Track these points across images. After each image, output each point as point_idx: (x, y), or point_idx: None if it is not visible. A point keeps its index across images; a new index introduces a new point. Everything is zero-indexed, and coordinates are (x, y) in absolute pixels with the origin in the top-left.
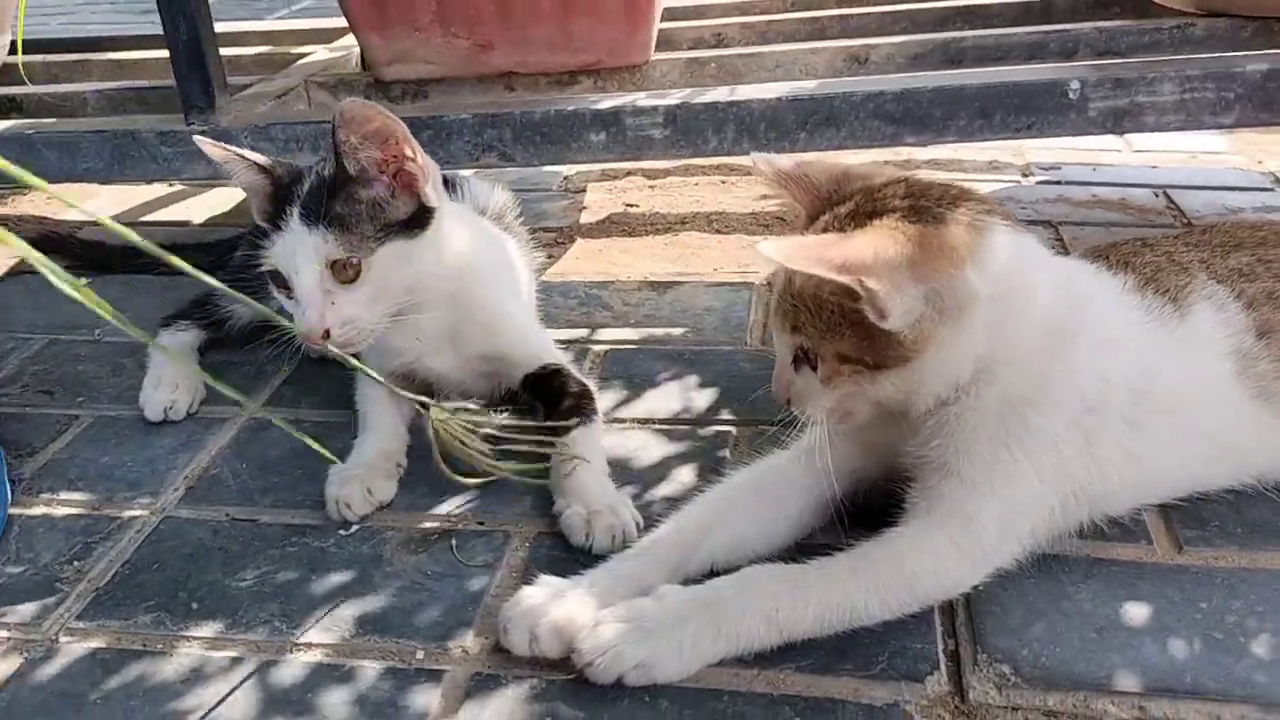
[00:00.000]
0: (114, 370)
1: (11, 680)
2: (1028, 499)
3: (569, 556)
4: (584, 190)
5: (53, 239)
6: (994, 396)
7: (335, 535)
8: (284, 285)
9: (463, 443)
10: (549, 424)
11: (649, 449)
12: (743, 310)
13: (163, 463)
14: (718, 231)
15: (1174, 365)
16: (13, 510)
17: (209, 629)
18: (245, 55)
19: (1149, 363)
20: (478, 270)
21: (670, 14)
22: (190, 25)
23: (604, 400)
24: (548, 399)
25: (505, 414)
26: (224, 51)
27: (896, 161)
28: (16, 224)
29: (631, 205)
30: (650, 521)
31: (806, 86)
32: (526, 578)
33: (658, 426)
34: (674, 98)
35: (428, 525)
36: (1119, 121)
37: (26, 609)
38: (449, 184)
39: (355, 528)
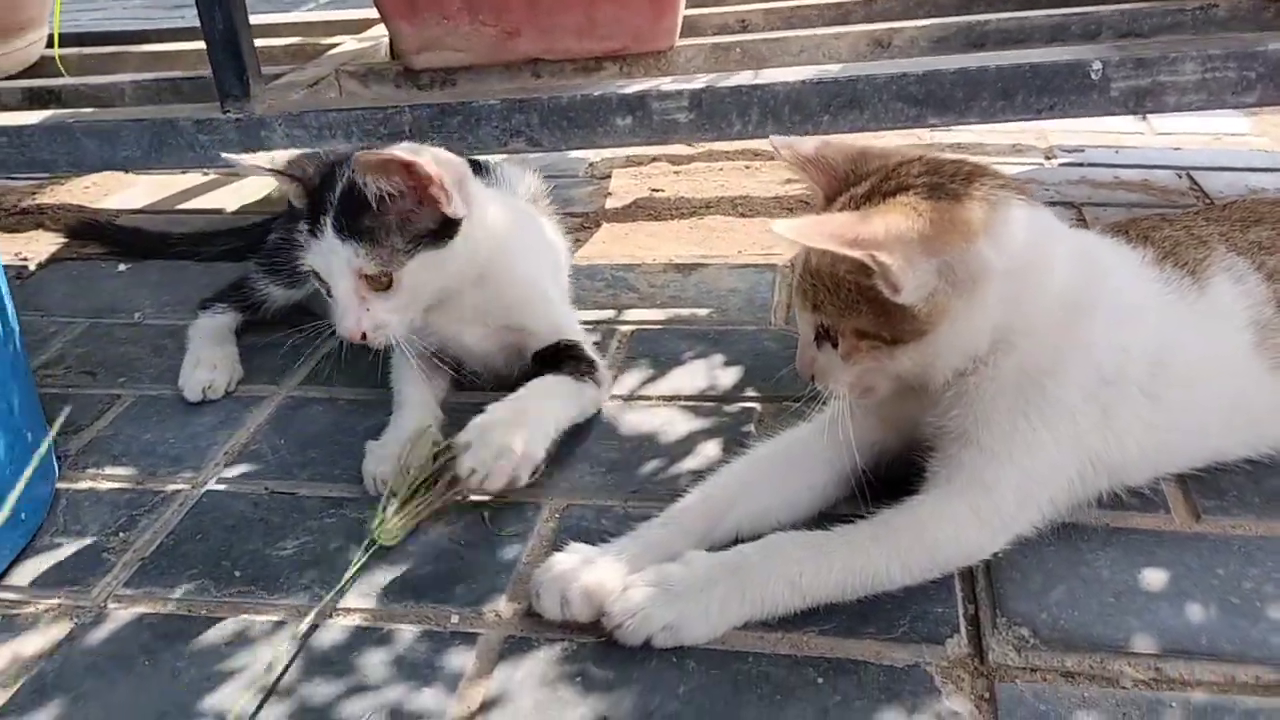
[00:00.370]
0: (154, 351)
1: (63, 644)
2: (1046, 468)
3: (598, 527)
4: (609, 176)
5: (92, 226)
6: (1012, 367)
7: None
8: (321, 281)
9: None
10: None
11: (675, 425)
12: (767, 291)
13: (203, 439)
14: (742, 215)
15: (1193, 337)
16: (59, 485)
17: (252, 595)
18: (277, 46)
19: (1168, 335)
20: (510, 251)
21: (695, 0)
22: (226, 15)
23: (631, 378)
24: (554, 368)
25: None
26: (256, 43)
27: (920, 145)
28: (56, 212)
29: (657, 190)
30: (677, 493)
31: (830, 69)
32: (557, 546)
33: (683, 403)
34: (699, 82)
35: (461, 500)
36: (1141, 101)
37: (75, 577)
38: (481, 168)
39: None
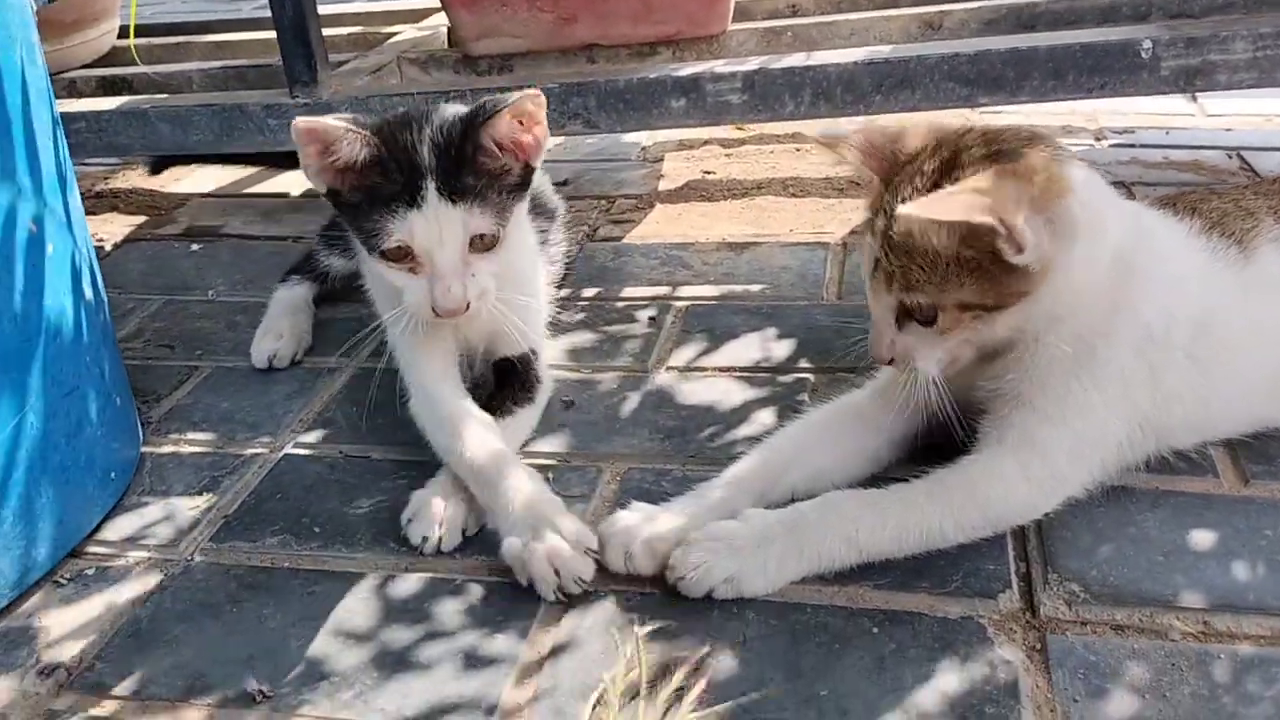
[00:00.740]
0: (228, 326)
1: (154, 593)
2: (1097, 430)
3: (658, 489)
4: (662, 159)
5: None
6: (1068, 330)
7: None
8: (402, 259)
9: None
10: None
11: (731, 395)
12: (819, 268)
13: (279, 407)
14: (793, 195)
15: (1237, 305)
16: (144, 449)
17: (331, 549)
18: (340, 35)
19: (1212, 302)
20: (522, 243)
21: None
22: (295, 4)
23: (687, 351)
24: (504, 381)
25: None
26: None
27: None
28: (129, 196)
29: (709, 172)
30: (734, 458)
31: (881, 50)
32: (619, 506)
33: (739, 374)
34: (752, 64)
35: (527, 462)
36: (1191, 80)
37: (163, 532)
38: None
39: None
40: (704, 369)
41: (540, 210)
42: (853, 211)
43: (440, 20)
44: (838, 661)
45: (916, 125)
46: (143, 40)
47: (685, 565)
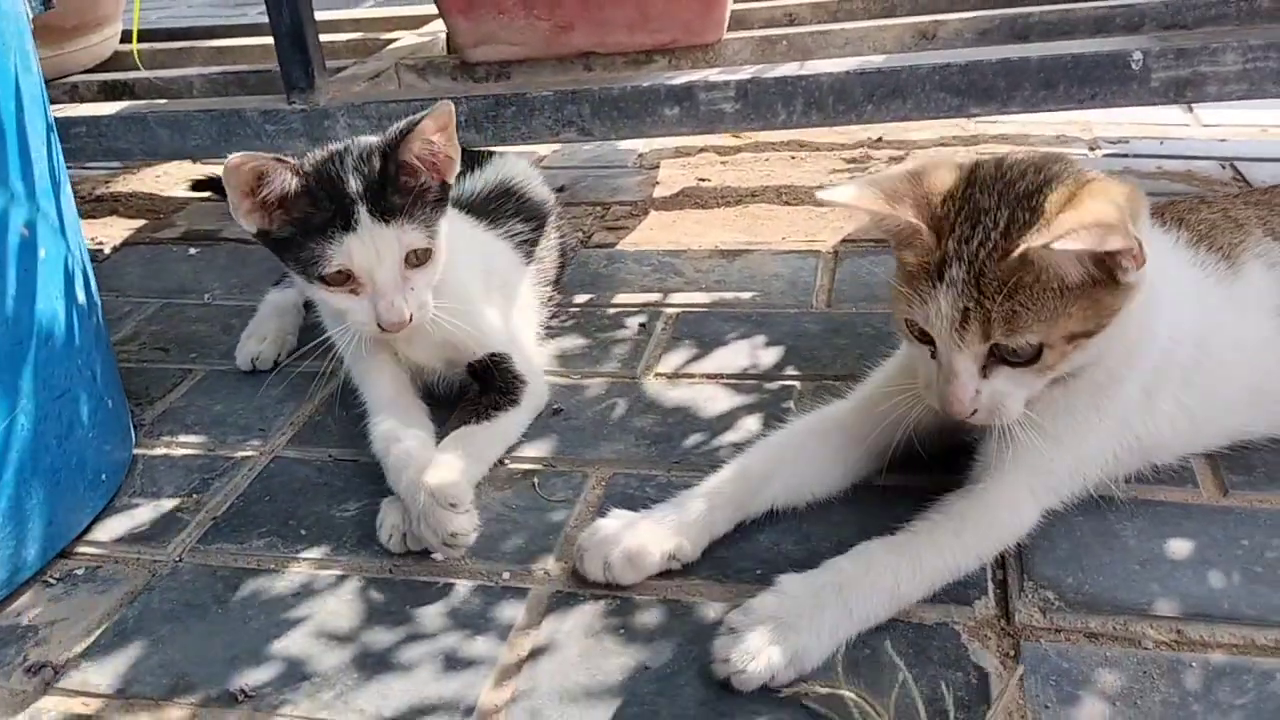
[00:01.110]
0: (223, 330)
1: (142, 593)
2: (1095, 450)
3: (642, 495)
4: (658, 166)
5: (214, 180)
6: (1111, 357)
7: None
8: (343, 283)
9: None
10: None
11: (717, 401)
12: (809, 276)
13: (270, 410)
14: (786, 204)
15: (1226, 321)
16: (136, 451)
17: (317, 551)
18: (339, 41)
19: (1207, 320)
20: (455, 254)
21: None
22: (293, 11)
23: (675, 357)
24: (484, 388)
25: None
26: (320, 38)
27: (964, 136)
28: (129, 200)
29: (704, 180)
30: (718, 464)
31: (874, 60)
32: (603, 512)
33: (726, 381)
34: (745, 73)
35: (513, 467)
36: (1181, 91)
37: (152, 534)
38: (475, 158)
39: None
40: (692, 375)
41: (529, 210)
42: (845, 220)
43: (439, 27)
44: None
45: (925, 165)
46: (145, 45)
47: (740, 656)
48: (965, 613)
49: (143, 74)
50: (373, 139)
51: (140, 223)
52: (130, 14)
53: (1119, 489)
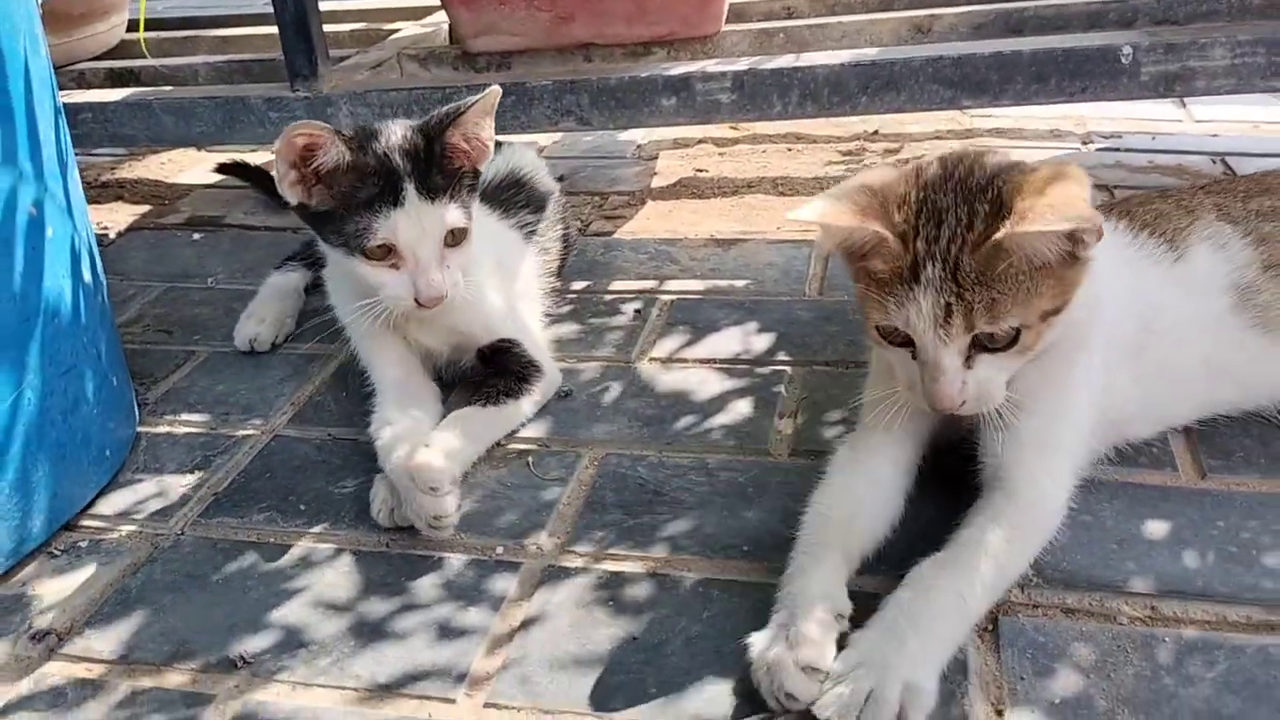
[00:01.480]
0: (226, 313)
1: (145, 564)
2: (1083, 418)
3: (634, 474)
4: (656, 157)
5: (239, 165)
6: (1074, 331)
7: None
8: (385, 257)
9: None
10: None
11: (709, 384)
12: (803, 265)
13: (272, 390)
14: (782, 194)
15: (1172, 299)
16: (140, 429)
17: (315, 526)
18: (342, 31)
19: (1148, 299)
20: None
21: None
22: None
23: (669, 342)
24: (497, 372)
25: None
26: (324, 27)
27: (959, 130)
28: (134, 186)
29: (701, 170)
30: (710, 446)
31: (868, 53)
32: (595, 491)
33: (718, 365)
34: (741, 64)
35: (509, 447)
36: (1170, 86)
37: (155, 508)
38: None
39: None
40: (685, 360)
41: (532, 199)
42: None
43: (441, 18)
44: None
45: (869, 177)
46: (152, 34)
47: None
48: None
49: (149, 62)
50: (408, 121)
51: (145, 208)
52: (137, 3)
53: (1098, 469)
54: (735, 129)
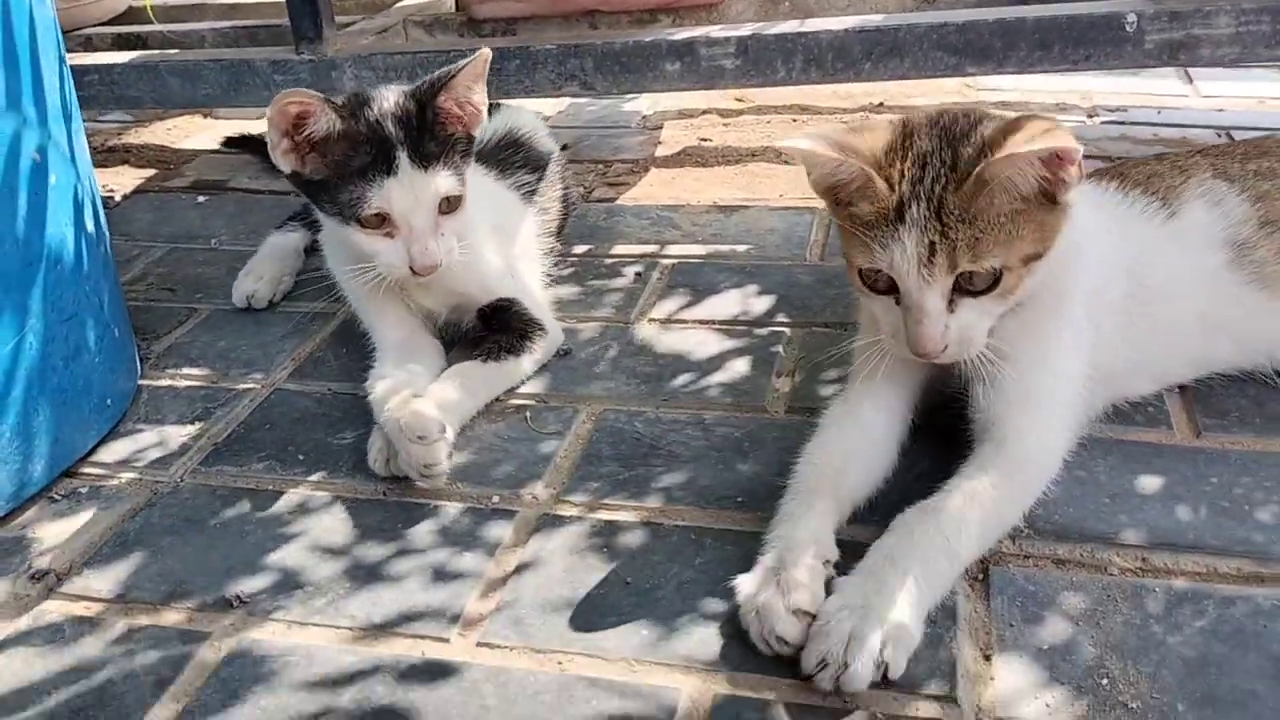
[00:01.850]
0: (228, 273)
1: (144, 509)
2: (1072, 369)
3: (631, 429)
4: (661, 127)
5: (245, 138)
6: (1055, 281)
7: None
8: (379, 225)
9: None
10: None
11: (707, 345)
12: (805, 231)
13: (273, 347)
14: (785, 163)
15: (1165, 254)
16: (141, 381)
17: (313, 475)
18: None
19: (1139, 253)
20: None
21: None
22: None
23: (669, 304)
24: (498, 330)
25: None
26: None
27: (966, 102)
28: (140, 151)
29: (705, 140)
30: (706, 404)
31: (873, 19)
32: (592, 445)
33: (717, 326)
34: (745, 29)
35: (507, 401)
36: (1174, 54)
37: (155, 456)
38: None
39: None
40: (685, 321)
41: (535, 161)
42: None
43: None
44: None
45: (861, 124)
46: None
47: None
48: None
49: (156, 27)
50: (400, 87)
51: (150, 172)
52: None
53: (1095, 426)
54: (740, 100)
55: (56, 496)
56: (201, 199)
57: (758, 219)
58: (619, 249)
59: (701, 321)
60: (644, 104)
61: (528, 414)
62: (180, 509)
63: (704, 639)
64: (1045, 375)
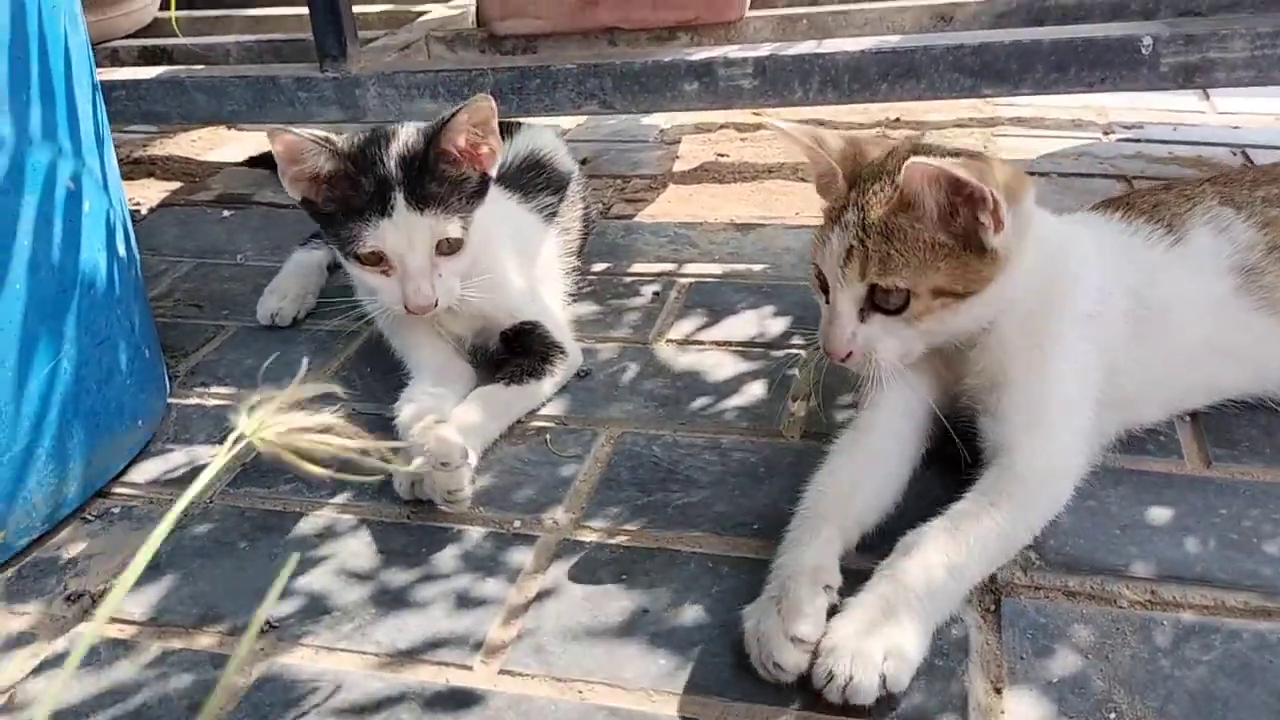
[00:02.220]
0: (254, 289)
1: (175, 530)
2: (1075, 389)
3: (649, 453)
4: (678, 142)
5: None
6: (1021, 309)
7: None
8: (376, 263)
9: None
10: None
11: (724, 367)
12: None
13: (298, 365)
14: (802, 180)
15: (1170, 281)
16: (170, 400)
17: (339, 497)
18: (371, 13)
19: (1143, 280)
20: (489, 226)
21: None
22: None
23: (686, 324)
24: (520, 352)
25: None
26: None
27: (981, 119)
28: (165, 163)
29: (722, 155)
30: (723, 427)
31: (889, 40)
32: (611, 468)
33: (734, 348)
34: (763, 50)
35: (528, 424)
36: (1190, 77)
37: (185, 476)
38: (504, 128)
39: None
40: (702, 342)
41: (552, 180)
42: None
43: (469, 1)
44: None
45: (860, 137)
46: (184, 12)
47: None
48: None
49: (181, 40)
50: (419, 125)
51: (176, 185)
52: None
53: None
54: (757, 114)
55: (90, 517)
56: (227, 213)
57: (774, 237)
58: (637, 267)
59: (718, 343)
60: (662, 118)
61: (548, 436)
62: (210, 531)
63: (720, 669)
64: (1050, 401)
